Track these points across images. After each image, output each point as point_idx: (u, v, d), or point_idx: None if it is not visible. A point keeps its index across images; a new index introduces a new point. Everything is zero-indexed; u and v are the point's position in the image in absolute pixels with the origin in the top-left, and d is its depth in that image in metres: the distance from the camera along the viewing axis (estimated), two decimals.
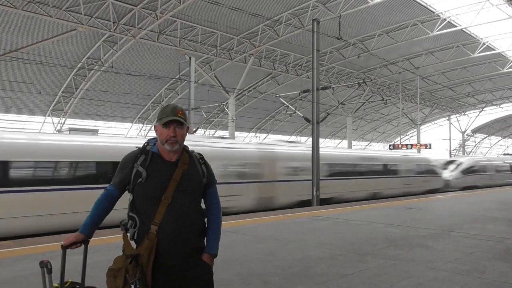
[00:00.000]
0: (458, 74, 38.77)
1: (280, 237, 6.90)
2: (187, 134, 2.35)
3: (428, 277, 4.46)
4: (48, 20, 21.00)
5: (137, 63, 26.85)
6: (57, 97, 30.61)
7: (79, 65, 27.44)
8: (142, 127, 38.80)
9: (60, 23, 21.48)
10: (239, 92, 29.67)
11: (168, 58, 27.87)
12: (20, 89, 26.50)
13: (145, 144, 2.34)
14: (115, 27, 23.10)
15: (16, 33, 22.77)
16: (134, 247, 2.15)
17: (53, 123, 33.09)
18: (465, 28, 28.00)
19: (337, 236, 6.95)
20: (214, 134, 42.71)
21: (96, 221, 2.27)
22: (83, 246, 2.25)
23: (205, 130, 40.91)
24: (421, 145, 38.45)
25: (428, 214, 10.08)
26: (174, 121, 2.22)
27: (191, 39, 25.94)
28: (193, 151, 2.39)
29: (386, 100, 19.29)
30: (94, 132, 24.06)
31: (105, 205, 2.30)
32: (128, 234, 2.20)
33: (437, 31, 27.15)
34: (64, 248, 2.18)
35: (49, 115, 32.84)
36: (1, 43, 18.89)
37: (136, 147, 2.34)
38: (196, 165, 2.32)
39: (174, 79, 30.10)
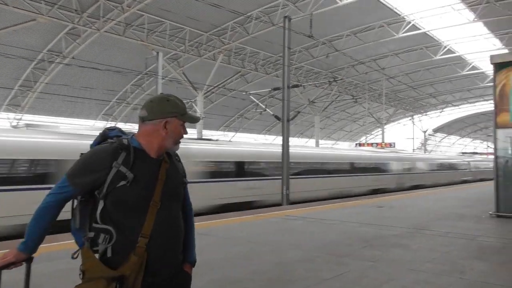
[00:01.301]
0: (421, 75, 39.98)
1: (255, 239, 6.69)
2: None
3: (409, 279, 4.38)
4: (3, 8, 19.81)
5: (101, 58, 25.88)
6: (14, 91, 29.03)
7: (38, 58, 26.15)
8: (106, 124, 37.59)
9: (18, 12, 20.31)
10: (208, 90, 29.26)
11: (134, 53, 27.05)
12: None
13: (109, 136, 1.88)
14: (78, 19, 22.15)
15: None
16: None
17: (9, 118, 31.45)
18: (428, 31, 28.88)
19: (312, 236, 6.82)
20: None
21: (42, 235, 1.78)
22: (24, 264, 1.78)
23: None
24: (385, 144, 39.40)
25: (399, 212, 10.17)
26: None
27: (159, 34, 25.28)
28: None
29: (356, 98, 19.47)
30: (54, 128, 23.03)
31: (55, 213, 1.78)
32: (91, 251, 1.74)
33: (402, 33, 27.82)
34: None
35: (4, 110, 31.16)
36: None
37: (100, 140, 1.88)
38: (175, 163, 1.97)
39: (141, 75, 29.29)
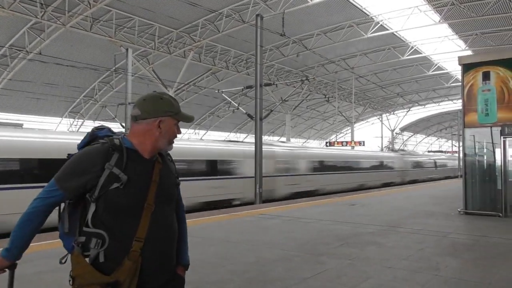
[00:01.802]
0: (389, 75, 40.94)
1: (231, 238, 6.62)
2: None
3: (386, 277, 4.42)
4: None
5: (68, 54, 25.04)
6: None
7: (0, 53, 25.02)
8: (73, 122, 36.44)
9: None
10: (178, 87, 28.86)
11: (102, 49, 26.33)
12: None
13: (98, 136, 1.79)
14: (42, 13, 21.31)
15: None
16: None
17: None
18: (396, 31, 29.57)
19: (289, 235, 6.81)
20: None
21: (28, 242, 1.68)
22: (7, 271, 1.69)
23: None
24: (355, 142, 40.11)
25: (371, 210, 10.33)
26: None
27: (127, 30, 24.69)
28: None
29: (328, 97, 19.69)
30: (17, 126, 22.15)
31: (42, 219, 1.68)
32: (82, 256, 1.65)
33: (371, 34, 28.36)
34: None
35: None
36: None
37: (102, 140, 1.76)
38: (167, 163, 1.89)
39: (109, 72, 28.53)
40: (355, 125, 47.78)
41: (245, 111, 18.26)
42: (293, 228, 7.57)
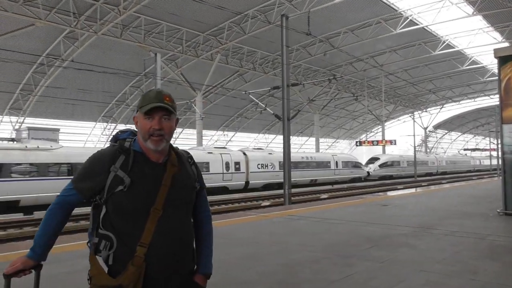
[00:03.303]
0: (420, 71, 39.89)
1: (259, 239, 6.58)
2: (176, 126, 1.83)
3: (419, 281, 4.26)
4: (3, 14, 19.74)
5: (100, 60, 25.80)
6: (15, 95, 28.98)
7: (38, 62, 26.06)
8: (106, 126, 37.48)
9: (17, 17, 20.29)
10: (206, 90, 29.16)
11: (132, 55, 26.97)
12: None
13: (119, 139, 1.80)
14: (76, 22, 22.04)
15: None
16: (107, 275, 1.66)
17: (11, 122, 31.41)
18: (427, 26, 28.76)
19: (318, 236, 6.70)
20: (181, 132, 41.93)
21: (50, 240, 1.74)
22: (33, 272, 1.73)
23: None
24: (386, 141, 39.31)
25: (404, 210, 10.05)
26: (160, 109, 1.69)
27: (156, 35, 25.19)
28: (177, 148, 1.92)
29: (356, 96, 19.37)
30: (55, 131, 23.00)
31: (61, 217, 1.75)
32: (99, 258, 1.69)
33: (400, 29, 27.72)
34: (8, 277, 1.65)
35: (6, 114, 31.10)
36: None
37: (111, 143, 1.80)
38: (186, 166, 1.85)
39: (139, 76, 29.16)
40: (386, 124, 46.85)
41: (272, 112, 18.21)
42: (322, 229, 7.45)
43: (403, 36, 30.10)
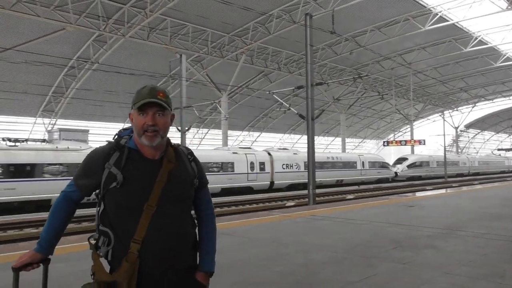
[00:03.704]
0: (450, 69, 38.78)
1: (279, 239, 6.53)
2: (172, 122, 1.83)
3: (443, 284, 4.11)
4: (36, 19, 20.47)
5: (127, 62, 26.36)
6: (48, 97, 29.99)
7: (69, 65, 26.87)
8: None
9: (48, 22, 20.98)
10: (232, 90, 29.30)
11: (158, 56, 27.40)
12: (9, 90, 25.78)
13: (117, 137, 1.83)
14: (104, 26, 22.60)
15: (3, 33, 22.20)
16: (108, 271, 1.68)
17: (44, 123, 32.50)
18: (457, 22, 27.92)
19: (339, 237, 6.59)
20: (207, 133, 42.30)
21: (55, 234, 1.78)
22: (41, 266, 1.77)
23: (197, 129, 40.46)
24: (415, 141, 38.42)
25: (431, 211, 9.77)
26: (153, 105, 1.69)
27: (181, 37, 25.51)
28: (179, 145, 1.90)
29: (382, 95, 19.00)
30: (84, 132, 23.61)
31: (65, 212, 1.80)
32: (100, 254, 1.71)
33: (429, 26, 27.03)
34: (16, 270, 1.69)
35: (39, 116, 32.21)
36: None
37: (107, 141, 1.83)
38: (185, 162, 1.83)
39: (165, 78, 29.63)
40: (414, 123, 45.79)
41: (296, 112, 18.09)
42: (345, 229, 7.33)
43: (432, 33, 29.33)
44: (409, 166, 38.14)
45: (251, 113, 39.83)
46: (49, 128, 30.87)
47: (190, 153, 1.89)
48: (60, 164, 17.44)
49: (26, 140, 18.27)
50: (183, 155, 1.85)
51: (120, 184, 1.68)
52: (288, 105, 19.50)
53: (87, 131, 24.76)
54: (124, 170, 1.70)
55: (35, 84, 26.74)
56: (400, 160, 39.04)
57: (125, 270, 1.62)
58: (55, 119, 32.30)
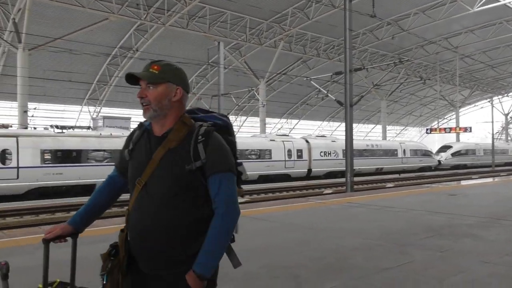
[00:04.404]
0: (500, 52, 36.68)
1: (313, 225, 6.51)
2: (177, 95, 1.70)
3: (482, 272, 3.95)
4: (80, 10, 21.21)
5: (167, 50, 26.84)
6: (93, 86, 31.15)
7: (112, 54, 27.71)
8: None
9: (93, 13, 21.69)
10: (270, 77, 29.19)
11: (197, 45, 27.69)
12: (58, 78, 26.98)
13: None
14: (145, 15, 23.09)
15: (51, 24, 23.17)
16: None
17: (89, 111, 33.84)
18: (509, 3, 26.23)
19: (374, 224, 6.48)
20: (245, 120, 42.50)
21: (91, 212, 1.85)
22: (70, 240, 1.82)
23: (236, 116, 40.73)
24: (460, 128, 36.86)
25: (474, 200, 9.39)
26: (144, 78, 1.67)
27: (220, 25, 25.62)
28: (202, 124, 1.69)
29: (424, 80, 18.26)
30: (127, 119, 24.37)
31: (105, 193, 1.88)
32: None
33: (477, 7, 25.61)
34: (46, 242, 1.75)
35: (85, 104, 33.57)
36: (36, 35, 19.28)
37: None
38: (188, 142, 1.64)
39: (205, 65, 29.93)
40: (460, 110, 43.83)
41: (334, 98, 17.78)
42: (380, 217, 7.19)
43: (481, 15, 27.78)
44: (453, 154, 36.59)
45: (290, 100, 39.55)
46: (94, 116, 32.15)
47: (204, 133, 1.65)
48: (104, 150, 18.12)
49: (72, 127, 19.10)
50: (193, 135, 1.65)
51: (128, 158, 1.77)
52: (325, 91, 19.17)
53: (129, 118, 25.54)
54: (135, 146, 1.76)
55: (81, 73, 27.81)
56: (444, 148, 37.56)
57: (120, 237, 1.72)
58: (99, 107, 33.55)
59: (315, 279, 3.85)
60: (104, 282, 1.66)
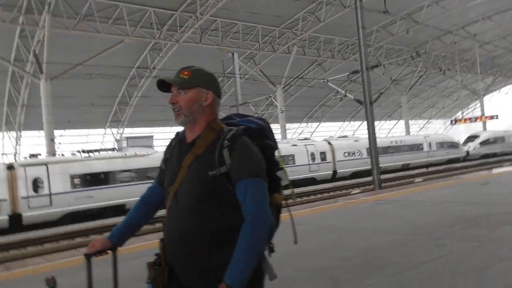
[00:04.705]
0: None
1: (344, 225, 6.47)
2: (208, 100, 1.70)
3: None
4: (96, 36, 21.83)
5: (183, 66, 27.23)
6: (114, 108, 31.86)
7: (130, 75, 28.34)
8: None
9: (108, 37, 22.26)
10: (286, 83, 29.23)
11: (211, 57, 27.93)
12: (80, 104, 27.72)
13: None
14: (159, 34, 23.58)
15: (69, 53, 23.88)
16: None
17: (113, 133, 34.58)
18: None
19: (405, 220, 6.38)
20: None
21: (130, 227, 1.86)
22: (110, 254, 1.86)
23: None
24: (486, 117, 35.92)
25: (507, 188, 9.12)
26: (175, 84, 1.70)
27: (232, 36, 25.90)
28: (231, 129, 1.65)
29: (444, 71, 17.92)
30: (149, 138, 24.79)
31: (143, 208, 1.89)
32: None
33: None
34: (88, 256, 1.79)
35: (108, 127, 34.32)
36: (56, 63, 19.95)
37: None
38: (214, 148, 1.60)
39: (220, 78, 30.22)
40: (484, 98, 42.70)
41: (353, 97, 17.65)
42: (410, 212, 7.08)
43: (497, 0, 27.17)
44: (481, 144, 35.56)
45: (308, 104, 39.43)
46: (117, 137, 32.81)
47: (231, 138, 1.60)
48: (130, 170, 18.45)
49: (98, 150, 19.57)
50: (220, 140, 1.62)
51: (163, 168, 1.81)
52: (343, 92, 19.05)
53: (151, 136, 25.98)
54: (170, 156, 1.78)
55: (102, 97, 28.50)
56: (471, 138, 36.57)
57: (160, 248, 1.72)
58: (122, 128, 34.25)
59: (352, 278, 3.83)
60: None
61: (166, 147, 1.87)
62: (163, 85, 1.73)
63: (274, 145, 1.76)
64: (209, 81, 1.74)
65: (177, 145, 1.76)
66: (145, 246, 5.82)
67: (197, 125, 1.69)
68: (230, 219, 1.59)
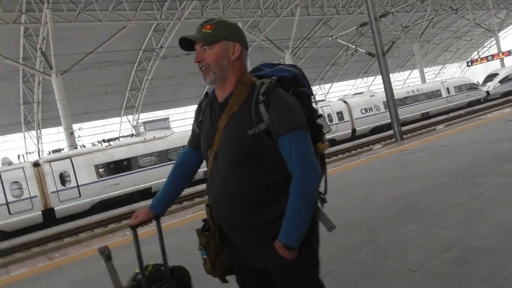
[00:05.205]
0: None
1: (372, 178, 6.43)
2: (236, 53, 1.57)
3: None
4: (99, 25, 21.69)
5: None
6: (126, 95, 32.00)
7: (137, 59, 28.25)
8: None
9: (111, 24, 22.10)
10: (294, 46, 28.70)
11: None
12: (94, 94, 27.87)
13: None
14: (159, 14, 23.29)
15: (75, 45, 23.83)
16: None
17: (129, 120, 34.86)
18: None
19: (434, 165, 6.29)
20: None
21: (170, 194, 1.85)
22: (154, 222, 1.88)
23: None
24: (503, 53, 34.72)
25: None
26: (199, 42, 1.58)
27: (233, 6, 25.41)
28: (263, 82, 1.55)
29: (456, 9, 17.23)
30: (165, 120, 24.94)
31: (180, 173, 1.84)
32: None
33: None
34: (133, 227, 1.81)
35: (123, 114, 34.58)
36: (63, 57, 20.01)
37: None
38: (249, 105, 1.52)
39: None
40: (499, 34, 41.14)
41: (364, 51, 17.22)
42: (439, 157, 6.98)
43: None
44: (501, 81, 34.45)
45: (319, 65, 38.74)
46: (134, 123, 33.07)
47: (265, 92, 1.51)
48: (151, 153, 18.68)
49: (117, 138, 19.81)
50: (254, 95, 1.53)
51: (198, 131, 1.74)
52: (354, 46, 18.59)
53: (167, 118, 26.10)
54: (202, 118, 1.70)
55: (113, 84, 28.58)
56: (490, 77, 35.45)
57: (207, 212, 1.67)
58: (137, 114, 34.46)
59: (389, 226, 3.83)
60: (204, 257, 1.67)
61: (196, 108, 1.80)
62: (186, 44, 1.63)
63: (310, 92, 1.68)
64: (234, 32, 1.61)
65: (209, 106, 1.68)
66: (175, 224, 5.95)
67: (228, 82, 1.59)
68: (275, 177, 1.54)
